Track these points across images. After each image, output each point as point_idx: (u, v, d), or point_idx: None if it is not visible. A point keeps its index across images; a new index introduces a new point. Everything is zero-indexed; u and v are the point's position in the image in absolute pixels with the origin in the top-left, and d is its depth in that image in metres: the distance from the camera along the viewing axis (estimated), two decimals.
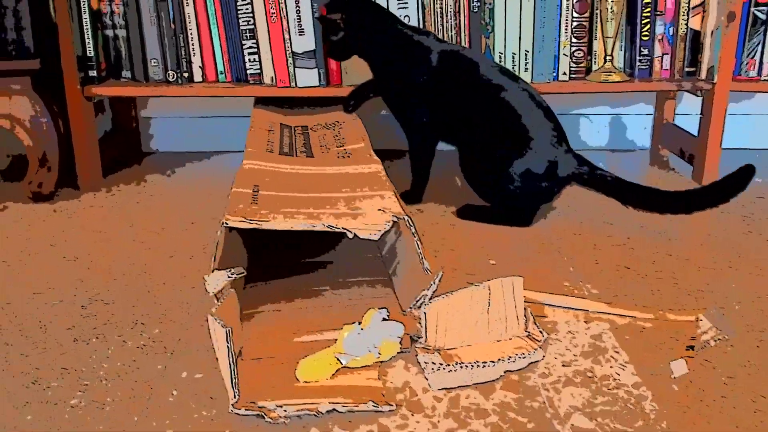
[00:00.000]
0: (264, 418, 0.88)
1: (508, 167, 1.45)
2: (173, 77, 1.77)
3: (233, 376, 0.88)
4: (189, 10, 1.73)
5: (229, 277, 0.97)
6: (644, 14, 1.71)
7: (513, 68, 1.72)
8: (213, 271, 0.98)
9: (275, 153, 1.38)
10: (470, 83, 1.50)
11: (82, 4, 1.72)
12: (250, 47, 1.74)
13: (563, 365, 1.00)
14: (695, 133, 1.79)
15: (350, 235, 0.99)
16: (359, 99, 1.66)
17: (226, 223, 0.99)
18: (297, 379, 0.94)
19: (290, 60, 1.72)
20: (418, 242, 1.04)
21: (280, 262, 1.30)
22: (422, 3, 1.67)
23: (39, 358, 1.03)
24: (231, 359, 0.88)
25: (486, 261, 1.34)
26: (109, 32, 1.77)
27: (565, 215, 1.56)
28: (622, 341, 1.06)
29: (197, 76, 1.77)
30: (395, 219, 1.03)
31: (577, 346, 1.05)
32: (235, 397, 0.89)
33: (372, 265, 1.28)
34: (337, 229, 1.00)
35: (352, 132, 1.54)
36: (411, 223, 1.04)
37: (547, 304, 1.15)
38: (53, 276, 1.30)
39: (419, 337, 1.02)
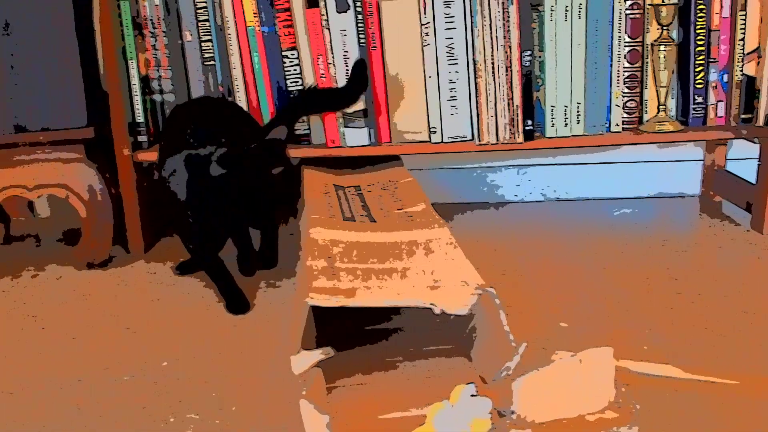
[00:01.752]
0: None
1: None
2: None
3: None
4: (236, 72, 1.73)
5: (318, 357, 0.95)
6: (698, 62, 1.70)
7: (565, 121, 1.70)
8: (299, 351, 0.96)
9: (337, 218, 1.37)
10: None
11: (131, 70, 1.73)
12: None
13: None
14: (750, 180, 1.77)
15: (437, 311, 0.97)
16: None
17: (311, 302, 0.97)
18: None
19: (340, 120, 1.71)
20: (503, 315, 1.02)
21: (345, 330, 1.28)
22: (473, 59, 1.66)
23: None
24: None
25: (556, 323, 1.31)
26: (157, 97, 1.77)
27: (628, 271, 1.53)
28: (712, 411, 1.02)
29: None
30: (480, 292, 1.01)
31: (666, 416, 1.02)
32: None
33: (441, 333, 1.26)
34: (424, 306, 0.98)
35: (409, 193, 1.52)
36: (495, 295, 1.02)
37: (634, 372, 1.12)
38: (119, 349, 1.29)
39: (507, 412, 0.99)
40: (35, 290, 1.56)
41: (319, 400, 0.88)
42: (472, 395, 0.97)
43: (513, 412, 0.98)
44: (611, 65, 1.70)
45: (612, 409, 1.00)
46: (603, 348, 0.99)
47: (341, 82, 1.68)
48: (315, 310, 1.24)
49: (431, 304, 0.98)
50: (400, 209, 1.42)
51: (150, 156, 1.72)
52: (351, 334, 1.26)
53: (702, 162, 2.03)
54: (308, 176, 1.64)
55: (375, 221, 1.36)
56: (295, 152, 1.73)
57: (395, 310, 1.33)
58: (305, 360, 0.94)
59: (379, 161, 1.76)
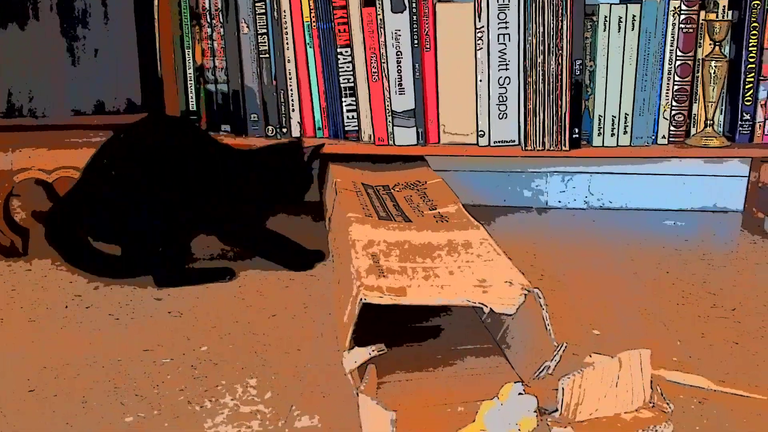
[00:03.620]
0: None
1: None
2: (272, 132, 1.79)
3: None
4: (290, 67, 1.76)
5: (370, 354, 0.97)
6: (748, 79, 1.69)
7: (612, 131, 1.71)
8: (351, 348, 0.98)
9: (374, 218, 1.39)
10: None
11: (187, 59, 1.77)
12: (349, 104, 1.76)
13: None
14: None
15: (486, 310, 1.00)
16: None
17: (364, 300, 0.99)
18: None
19: (389, 118, 1.73)
20: (547, 315, 1.04)
21: (387, 327, 1.30)
22: (524, 66, 1.67)
23: (155, 421, 1.04)
24: None
25: (589, 330, 1.33)
26: (211, 87, 1.81)
27: (665, 283, 1.53)
28: (740, 425, 1.03)
29: (295, 131, 1.79)
30: (526, 291, 1.03)
31: (694, 428, 1.03)
32: None
33: (477, 332, 1.28)
34: (473, 305, 1.00)
35: (440, 193, 1.54)
36: (540, 295, 1.04)
37: (665, 380, 1.13)
38: (160, 332, 1.32)
39: (549, 410, 1.01)
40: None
41: (373, 395, 0.90)
42: (520, 393, 0.99)
43: (556, 410, 1.00)
44: (661, 78, 1.70)
45: (647, 409, 1.02)
46: (641, 350, 1.01)
47: (393, 81, 1.70)
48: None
49: (480, 303, 1.00)
50: (433, 209, 1.44)
51: None
52: (390, 332, 1.29)
53: (747, 178, 2.01)
54: (336, 173, 1.66)
55: (410, 221, 1.38)
56: (342, 148, 1.76)
57: (435, 311, 1.35)
58: (357, 356, 0.97)
59: (400, 160, 1.78)
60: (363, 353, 0.98)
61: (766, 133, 1.73)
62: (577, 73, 1.67)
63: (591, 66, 1.70)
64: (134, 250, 1.54)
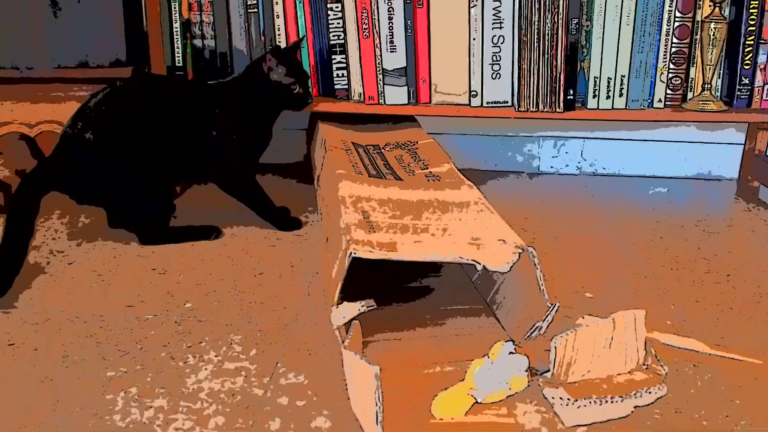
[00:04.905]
0: None
1: None
2: None
3: (380, 416, 0.85)
4: (279, 22, 1.72)
5: (359, 310, 0.95)
6: (747, 42, 1.66)
7: (608, 93, 1.68)
8: (339, 303, 0.96)
9: (364, 175, 1.36)
10: None
11: (173, 13, 1.72)
12: (339, 62, 1.72)
13: (675, 411, 0.96)
14: None
15: (479, 268, 0.97)
16: None
17: (354, 254, 0.96)
18: (432, 416, 0.92)
19: (380, 76, 1.70)
20: (540, 274, 1.01)
21: (375, 287, 1.27)
22: (519, 24, 1.63)
23: (137, 376, 1.02)
24: (378, 398, 0.84)
25: (581, 294, 1.30)
26: (198, 42, 1.77)
27: (658, 248, 1.51)
28: (734, 388, 1.01)
29: None
30: (521, 250, 1.00)
31: (688, 390, 1.00)
32: None
33: (466, 293, 1.25)
34: (466, 262, 0.97)
35: (431, 153, 1.51)
36: (534, 254, 1.01)
37: (659, 342, 1.11)
38: (143, 289, 1.29)
39: (541, 371, 0.99)
40: (65, 228, 1.56)
41: (357, 350, 0.88)
42: (511, 353, 0.97)
43: (548, 371, 0.98)
44: (659, 39, 1.67)
45: (640, 371, 1.00)
46: (636, 310, 0.99)
47: (384, 38, 1.66)
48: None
49: (473, 260, 0.97)
50: (425, 169, 1.41)
51: None
52: (378, 292, 1.26)
53: (742, 146, 1.99)
54: (326, 132, 1.63)
55: (401, 179, 1.35)
56: (332, 107, 1.73)
57: (424, 271, 1.33)
58: (346, 312, 0.94)
59: (391, 121, 1.75)
60: (352, 308, 0.95)
61: (764, 98, 1.70)
62: (573, 32, 1.64)
63: (587, 26, 1.66)
64: (117, 210, 1.51)
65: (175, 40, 1.74)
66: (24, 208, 1.33)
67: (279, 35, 1.72)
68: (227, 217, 1.59)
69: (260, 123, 1.56)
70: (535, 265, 1.02)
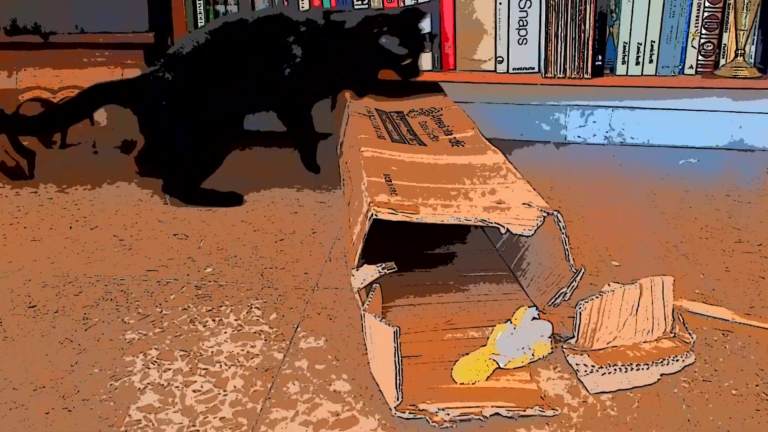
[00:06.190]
0: (428, 422, 0.83)
1: None
2: None
3: (399, 378, 0.83)
4: None
5: (379, 272, 0.93)
6: None
7: (637, 59, 1.64)
8: (360, 265, 0.94)
9: (387, 140, 1.34)
10: None
11: None
12: None
13: (703, 380, 0.94)
14: None
15: (503, 230, 0.95)
16: None
17: (375, 215, 0.94)
18: (453, 381, 0.90)
19: None
20: (566, 238, 0.99)
21: (399, 253, 1.26)
22: None
23: (156, 338, 1.01)
24: (397, 360, 0.82)
25: (608, 262, 1.28)
26: (221, 8, 1.75)
27: (688, 218, 1.48)
28: (764, 358, 0.99)
29: None
30: (546, 214, 0.98)
31: (717, 359, 0.98)
32: (398, 400, 0.84)
33: (491, 259, 1.23)
34: (490, 224, 0.95)
35: (456, 119, 1.49)
36: (560, 218, 0.99)
37: (688, 311, 1.08)
38: (164, 254, 1.29)
39: (565, 337, 0.97)
40: (88, 194, 1.56)
41: (377, 313, 0.86)
42: (534, 318, 0.95)
43: (572, 337, 0.96)
44: (691, 3, 1.63)
45: (668, 339, 0.98)
46: (664, 277, 0.97)
47: (409, 2, 1.64)
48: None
49: (497, 222, 0.95)
50: (449, 134, 1.39)
51: None
52: (401, 259, 1.24)
53: None
54: (350, 99, 1.61)
55: (425, 145, 1.33)
56: None
57: (448, 238, 1.31)
58: (366, 274, 0.93)
59: (418, 89, 1.72)
60: (372, 271, 0.93)
61: None
62: None
63: None
64: (156, 148, 1.51)
65: (198, 5, 1.72)
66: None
67: (303, 0, 1.70)
68: (251, 182, 1.58)
69: (354, 77, 1.60)
70: (560, 229, 0.99)
